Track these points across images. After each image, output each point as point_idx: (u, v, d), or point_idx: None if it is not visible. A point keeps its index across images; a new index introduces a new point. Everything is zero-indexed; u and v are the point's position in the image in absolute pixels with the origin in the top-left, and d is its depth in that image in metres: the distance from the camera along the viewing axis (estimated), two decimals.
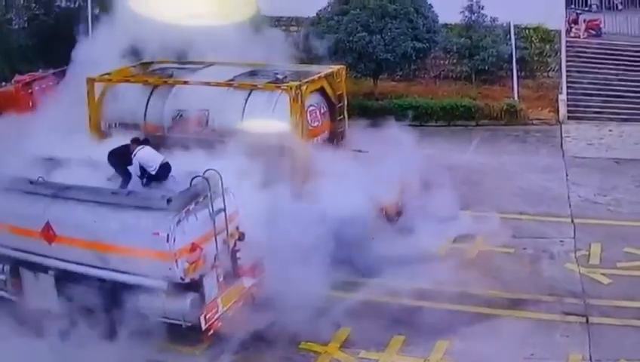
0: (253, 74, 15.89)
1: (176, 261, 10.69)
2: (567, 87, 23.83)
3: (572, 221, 15.74)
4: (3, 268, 12.09)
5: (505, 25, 25.35)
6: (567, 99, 23.38)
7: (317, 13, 24.65)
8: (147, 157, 12.23)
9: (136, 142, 12.43)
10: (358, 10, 23.30)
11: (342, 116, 15.80)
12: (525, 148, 20.95)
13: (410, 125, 21.04)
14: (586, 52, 25.42)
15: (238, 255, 11.85)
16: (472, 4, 25.35)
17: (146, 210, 10.98)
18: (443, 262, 13.64)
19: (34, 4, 26.21)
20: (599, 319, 11.95)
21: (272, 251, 11.79)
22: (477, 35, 25.10)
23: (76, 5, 26.37)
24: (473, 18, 25.39)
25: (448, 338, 11.50)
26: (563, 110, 23.17)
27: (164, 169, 12.14)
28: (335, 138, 15.69)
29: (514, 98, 24.05)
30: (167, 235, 10.64)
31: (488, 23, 25.39)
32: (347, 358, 11.23)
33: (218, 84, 15.25)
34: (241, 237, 11.71)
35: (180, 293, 10.91)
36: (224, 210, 11.32)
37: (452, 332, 11.64)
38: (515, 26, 25.09)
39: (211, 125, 14.80)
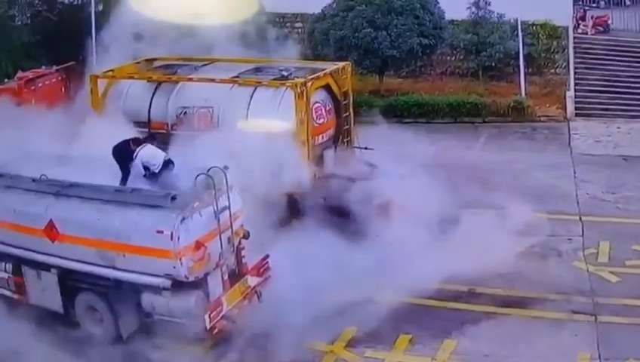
0: (258, 70, 15.79)
1: (181, 259, 10.58)
2: (575, 84, 23.71)
3: (580, 219, 15.60)
4: (5, 267, 12.01)
5: (512, 21, 25.24)
6: (575, 96, 23.27)
7: (322, 10, 24.57)
8: (149, 155, 12.12)
9: (137, 143, 12.30)
10: (363, 5, 23.21)
11: (347, 113, 15.69)
12: (533, 146, 20.81)
13: (416, 122, 21.13)
14: (593, 48, 25.28)
15: (242, 253, 11.75)
16: (478, 1, 25.22)
17: (150, 207, 10.87)
18: (446, 260, 13.51)
19: (37, 1, 26.14)
20: (608, 318, 11.81)
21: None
22: (484, 31, 24.98)
23: (79, 1, 26.32)
24: (480, 14, 25.28)
25: (455, 337, 11.37)
26: (571, 107, 23.04)
27: (167, 166, 12.03)
28: (340, 135, 15.59)
29: (521, 95, 23.92)
30: (172, 233, 10.53)
31: (495, 19, 25.29)
32: (353, 357, 11.11)
33: (223, 81, 15.15)
34: (246, 235, 11.62)
35: (184, 292, 10.79)
36: (229, 207, 11.21)
37: (459, 332, 11.52)
38: (523, 23, 24.95)
39: (216, 122, 14.70)
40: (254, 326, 11.12)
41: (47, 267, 11.53)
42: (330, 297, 11.66)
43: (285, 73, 15.01)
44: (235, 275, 11.58)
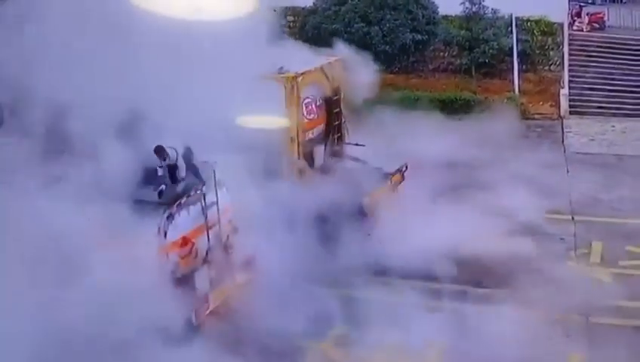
0: None
1: (167, 255, 10.43)
2: (570, 82, 23.64)
3: (573, 218, 15.50)
4: None
5: (506, 17, 25.14)
6: (569, 94, 23.22)
7: (314, 3, 24.42)
8: None
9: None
10: (356, 0, 23.06)
11: (338, 109, 15.52)
12: (526, 144, 20.69)
13: (407, 118, 20.96)
14: (589, 45, 25.22)
15: (230, 249, 11.59)
16: None
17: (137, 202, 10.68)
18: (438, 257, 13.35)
19: None
20: (600, 319, 11.71)
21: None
22: (478, 27, 24.88)
23: None
24: (474, 10, 25.22)
25: (445, 336, 11.20)
26: (565, 105, 22.97)
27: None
28: (331, 131, 15.42)
29: (514, 92, 23.81)
30: (158, 229, 10.36)
31: (489, 15, 25.23)
32: (340, 356, 10.95)
33: None
34: (234, 231, 11.47)
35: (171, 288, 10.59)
36: (217, 203, 11.04)
37: (449, 331, 11.36)
38: (517, 18, 24.90)
39: None
40: None
41: None
42: None
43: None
44: (223, 271, 11.39)
